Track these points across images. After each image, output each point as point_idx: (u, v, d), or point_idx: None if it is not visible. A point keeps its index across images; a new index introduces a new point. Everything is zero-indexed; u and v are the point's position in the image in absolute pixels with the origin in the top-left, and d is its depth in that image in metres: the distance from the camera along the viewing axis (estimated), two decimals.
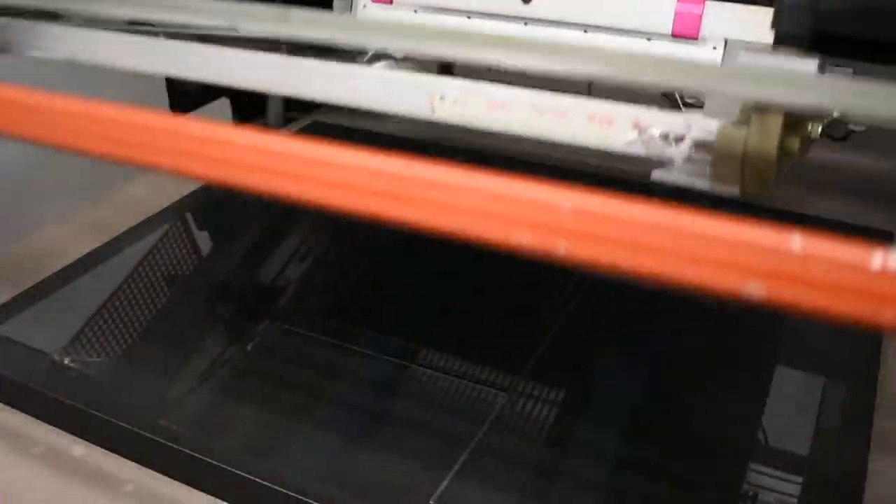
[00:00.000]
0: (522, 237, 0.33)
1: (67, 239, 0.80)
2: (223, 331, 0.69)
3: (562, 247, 0.33)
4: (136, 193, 0.89)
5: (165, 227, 0.82)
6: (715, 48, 0.55)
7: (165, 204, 0.86)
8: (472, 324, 0.68)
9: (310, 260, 0.79)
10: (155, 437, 0.56)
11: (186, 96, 0.96)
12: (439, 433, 0.58)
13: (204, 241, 0.83)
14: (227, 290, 0.75)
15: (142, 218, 0.83)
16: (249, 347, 0.65)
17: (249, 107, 1.06)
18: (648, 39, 0.56)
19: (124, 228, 0.81)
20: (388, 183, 0.35)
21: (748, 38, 0.54)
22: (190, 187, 0.88)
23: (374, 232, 0.81)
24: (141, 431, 0.56)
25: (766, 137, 0.42)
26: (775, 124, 0.42)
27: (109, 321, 0.69)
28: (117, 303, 0.71)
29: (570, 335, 0.67)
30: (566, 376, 0.63)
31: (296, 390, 0.62)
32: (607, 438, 0.57)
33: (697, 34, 0.55)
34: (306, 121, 1.05)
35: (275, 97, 1.04)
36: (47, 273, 0.74)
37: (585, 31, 0.57)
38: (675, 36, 0.55)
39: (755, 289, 0.31)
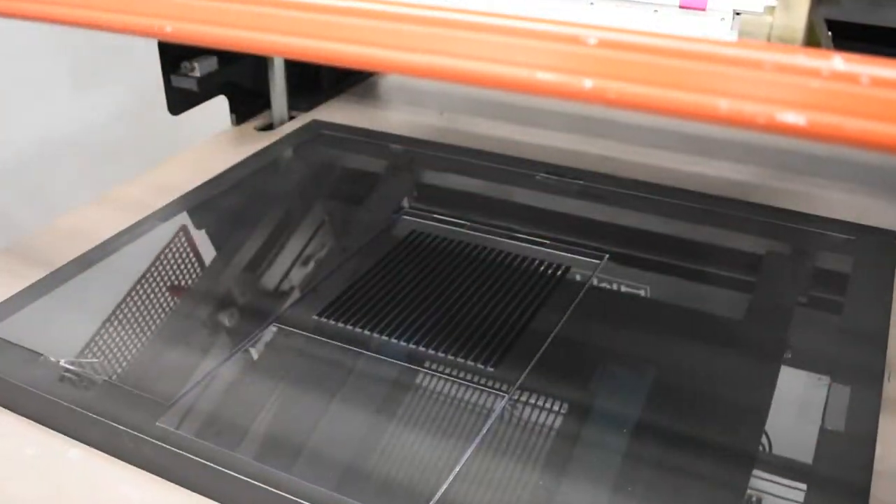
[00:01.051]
0: (546, 75, 0.33)
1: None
2: (224, 332, 0.69)
3: (587, 83, 0.32)
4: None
5: (166, 226, 0.82)
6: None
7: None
8: (473, 325, 0.67)
9: (312, 260, 0.79)
10: (153, 440, 0.56)
11: (184, 95, 0.97)
12: (438, 436, 0.57)
13: (208, 240, 0.83)
14: (229, 291, 0.75)
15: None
16: (249, 349, 0.65)
17: (248, 104, 1.06)
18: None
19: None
20: (403, 28, 0.34)
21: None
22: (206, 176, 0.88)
23: (378, 231, 0.81)
24: (139, 434, 0.56)
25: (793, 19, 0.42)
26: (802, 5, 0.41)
27: (107, 320, 0.69)
28: (116, 302, 0.71)
29: (572, 338, 0.66)
30: (567, 379, 0.62)
31: (294, 393, 0.62)
32: (609, 442, 0.57)
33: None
34: (305, 119, 1.05)
35: (278, 95, 1.04)
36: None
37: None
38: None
39: (794, 118, 0.30)
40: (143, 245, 0.79)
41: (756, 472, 0.55)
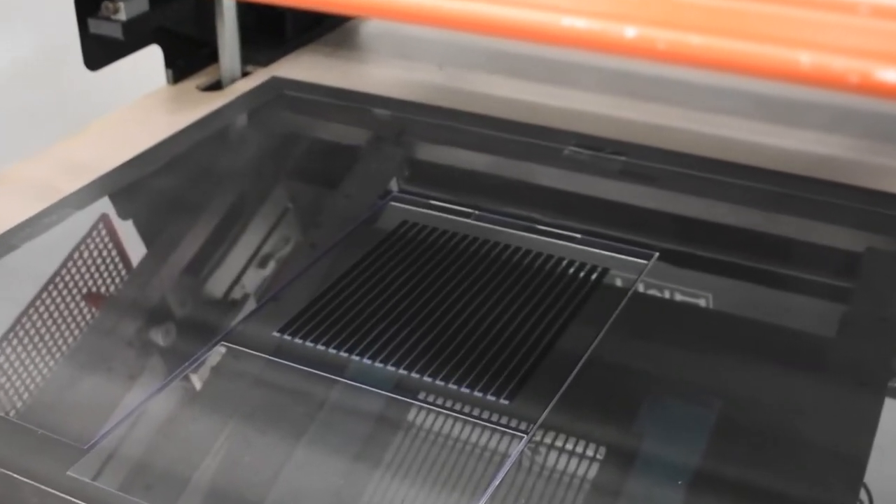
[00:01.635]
0: (576, 21, 0.32)
1: None
2: (157, 354, 0.69)
3: (629, 31, 0.32)
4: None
5: (81, 215, 0.82)
6: None
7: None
8: (481, 345, 0.68)
9: (272, 260, 0.79)
10: (64, 495, 0.56)
11: (105, 44, 0.97)
12: (437, 490, 0.58)
13: (137, 234, 0.84)
14: (164, 301, 0.75)
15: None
16: (189, 375, 0.65)
17: (188, 57, 1.06)
18: None
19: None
20: None
21: None
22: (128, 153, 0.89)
23: (359, 222, 0.81)
24: (45, 487, 0.56)
25: None
26: None
27: (4, 339, 0.69)
28: (16, 314, 0.71)
29: (610, 362, 0.67)
30: (604, 416, 0.62)
31: (248, 434, 0.62)
32: (660, 498, 0.57)
33: None
34: (263, 76, 1.05)
35: (228, 45, 1.04)
36: None
37: None
38: None
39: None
40: (52, 240, 0.79)
41: None
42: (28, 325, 0.70)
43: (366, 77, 1.06)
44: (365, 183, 0.89)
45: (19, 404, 0.64)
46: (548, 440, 0.60)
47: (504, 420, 0.62)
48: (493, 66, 1.07)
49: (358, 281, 0.74)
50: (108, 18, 0.95)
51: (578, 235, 0.78)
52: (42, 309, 0.72)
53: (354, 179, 0.90)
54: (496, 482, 0.57)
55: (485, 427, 0.61)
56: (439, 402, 0.63)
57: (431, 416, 0.62)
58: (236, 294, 0.75)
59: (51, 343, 0.69)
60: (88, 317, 0.73)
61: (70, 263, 0.77)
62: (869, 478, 0.58)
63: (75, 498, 0.56)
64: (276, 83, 1.04)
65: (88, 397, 0.64)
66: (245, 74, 1.07)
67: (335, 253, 0.78)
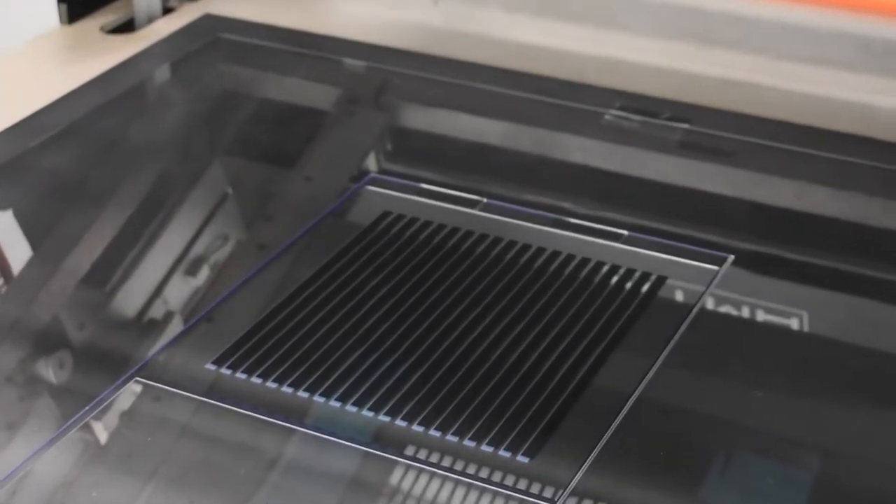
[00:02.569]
0: None
1: None
2: (47, 394, 0.69)
3: None
4: None
5: None
6: None
7: None
8: (491, 382, 0.68)
9: (204, 266, 0.79)
10: None
11: None
12: None
13: (19, 230, 0.84)
14: (57, 322, 0.75)
15: None
16: (91, 423, 0.66)
17: None
18: None
19: None
20: None
21: None
22: None
23: (324, 214, 0.81)
24: None
25: None
26: None
27: None
28: None
29: (668, 405, 0.67)
30: (659, 478, 0.63)
31: (183, 499, 0.62)
32: None
33: None
34: (193, 13, 1.05)
35: None
36: None
37: None
38: None
39: None
40: None
41: None
42: None
43: (333, 15, 1.06)
44: (333, 161, 0.89)
45: None
46: None
47: (523, 484, 0.62)
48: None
49: (323, 294, 0.74)
50: None
51: (624, 233, 0.79)
52: None
53: (318, 156, 0.90)
54: None
55: (496, 493, 0.61)
56: (434, 459, 0.63)
57: (423, 479, 0.62)
58: (156, 312, 0.75)
59: None
60: None
61: None
62: None
63: None
64: (209, 23, 1.04)
65: None
66: (168, 11, 1.07)
67: (292, 256, 0.78)
